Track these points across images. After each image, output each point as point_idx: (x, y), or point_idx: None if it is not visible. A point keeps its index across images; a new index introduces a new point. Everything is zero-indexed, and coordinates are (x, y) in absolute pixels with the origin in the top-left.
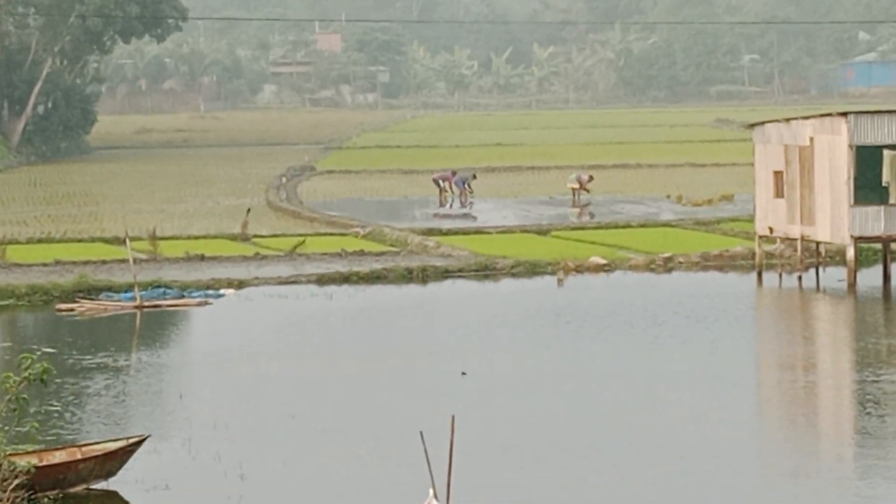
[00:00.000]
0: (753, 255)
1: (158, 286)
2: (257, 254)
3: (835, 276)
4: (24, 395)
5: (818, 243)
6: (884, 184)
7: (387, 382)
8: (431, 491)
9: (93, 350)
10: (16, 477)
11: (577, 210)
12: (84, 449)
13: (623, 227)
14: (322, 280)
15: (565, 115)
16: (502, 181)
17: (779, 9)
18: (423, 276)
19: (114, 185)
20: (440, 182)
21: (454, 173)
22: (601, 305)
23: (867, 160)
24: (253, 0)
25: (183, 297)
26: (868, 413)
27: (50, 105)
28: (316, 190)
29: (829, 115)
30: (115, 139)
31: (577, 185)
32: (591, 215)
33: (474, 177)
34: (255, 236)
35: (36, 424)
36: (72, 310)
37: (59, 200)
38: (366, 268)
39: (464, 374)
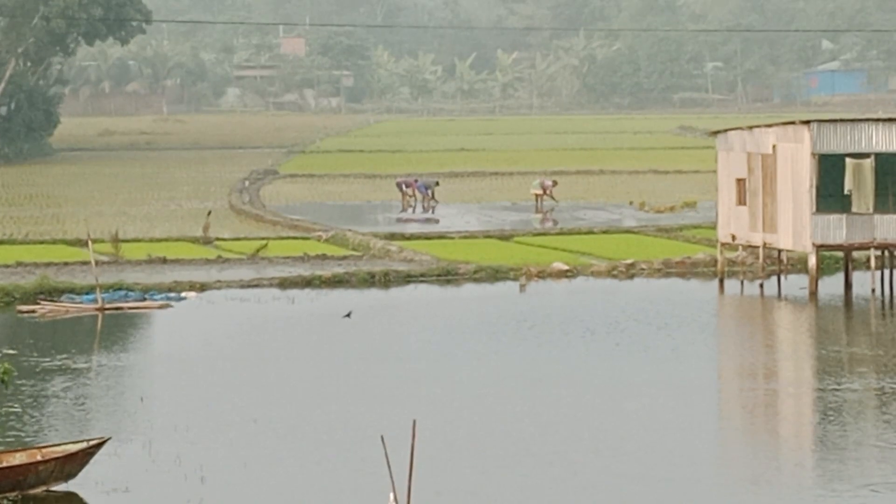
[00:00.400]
0: (715, 262)
1: (120, 288)
2: (219, 257)
3: (796, 284)
4: None
5: (780, 251)
6: (846, 192)
7: (348, 387)
8: (392, 496)
9: (53, 352)
10: None
11: (540, 216)
12: (44, 451)
13: (586, 233)
14: (284, 284)
15: (529, 120)
16: (465, 186)
17: (742, 17)
18: (386, 280)
19: (76, 188)
20: (403, 186)
21: (416, 181)
22: (563, 311)
23: (830, 168)
24: (217, 3)
25: (144, 299)
26: (828, 421)
27: (13, 106)
28: (279, 193)
29: (792, 123)
30: (78, 141)
31: (540, 191)
32: (554, 221)
33: (437, 184)
34: (218, 239)
35: None
36: (33, 311)
37: (22, 202)
38: (328, 272)
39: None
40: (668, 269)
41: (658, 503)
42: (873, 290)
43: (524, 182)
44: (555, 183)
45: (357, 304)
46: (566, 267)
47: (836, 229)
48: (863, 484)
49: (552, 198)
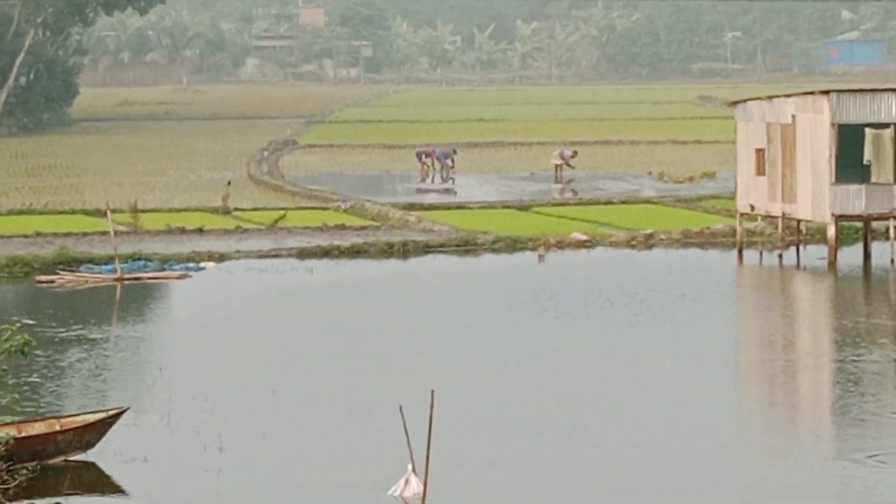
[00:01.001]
0: (734, 232)
1: (139, 259)
2: (238, 227)
3: (815, 255)
4: (4, 367)
5: (799, 221)
6: (865, 162)
7: (366, 357)
8: (410, 465)
9: (72, 322)
10: None
11: (559, 186)
12: (63, 421)
13: (604, 203)
14: (303, 254)
15: (548, 91)
16: (484, 157)
17: None
18: (404, 250)
19: (95, 158)
20: (422, 156)
21: (434, 151)
22: (582, 282)
23: (849, 139)
24: None
25: (163, 269)
26: (847, 392)
27: (32, 77)
28: (297, 164)
29: (812, 93)
30: (97, 111)
31: (560, 161)
32: (574, 192)
33: (455, 152)
34: (236, 209)
35: (17, 396)
36: (52, 281)
37: (41, 172)
38: (347, 242)
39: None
40: (686, 240)
41: (677, 473)
42: (892, 261)
43: (543, 152)
44: (574, 153)
45: (376, 274)
46: (585, 237)
47: (856, 199)
48: (881, 455)
49: (570, 166)
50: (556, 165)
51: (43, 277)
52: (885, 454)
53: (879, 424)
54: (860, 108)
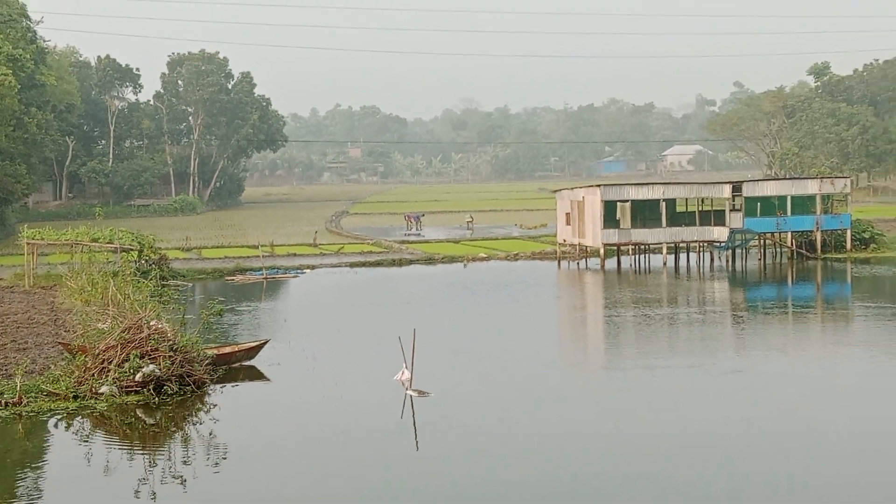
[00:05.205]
0: (556, 252)
1: (274, 268)
2: (321, 252)
3: (594, 263)
4: (211, 321)
5: (587, 247)
6: (617, 219)
7: (382, 313)
8: (404, 365)
9: (242, 300)
10: (207, 360)
11: (471, 232)
12: (239, 345)
13: (494, 239)
14: (352, 265)
15: (468, 186)
16: (437, 218)
17: (568, 136)
18: (400, 263)
19: (252, 221)
20: (407, 217)
21: (412, 214)
22: (484, 278)
23: (609, 207)
24: (320, 131)
25: (286, 273)
26: (614, 331)
27: (221, 182)
28: (349, 222)
29: (592, 185)
30: (253, 199)
31: (470, 219)
32: (471, 231)
33: (423, 215)
34: (320, 244)
35: (216, 335)
36: (233, 279)
37: (226, 228)
38: (373, 259)
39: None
40: (534, 256)
41: (527, 373)
42: (630, 265)
43: (462, 217)
44: (472, 218)
45: (387, 274)
46: (485, 255)
47: (613, 236)
48: (631, 363)
49: (471, 227)
50: (468, 222)
51: (228, 278)
52: (633, 362)
53: (629, 348)
54: (615, 193)
